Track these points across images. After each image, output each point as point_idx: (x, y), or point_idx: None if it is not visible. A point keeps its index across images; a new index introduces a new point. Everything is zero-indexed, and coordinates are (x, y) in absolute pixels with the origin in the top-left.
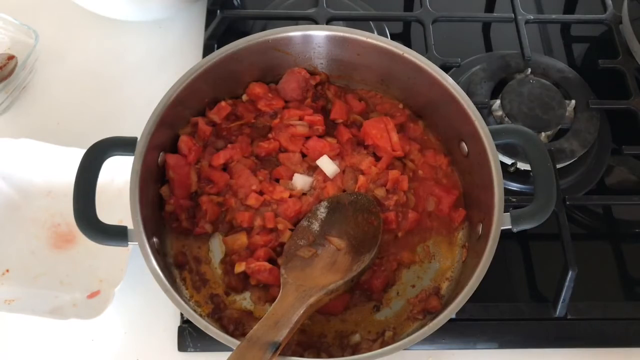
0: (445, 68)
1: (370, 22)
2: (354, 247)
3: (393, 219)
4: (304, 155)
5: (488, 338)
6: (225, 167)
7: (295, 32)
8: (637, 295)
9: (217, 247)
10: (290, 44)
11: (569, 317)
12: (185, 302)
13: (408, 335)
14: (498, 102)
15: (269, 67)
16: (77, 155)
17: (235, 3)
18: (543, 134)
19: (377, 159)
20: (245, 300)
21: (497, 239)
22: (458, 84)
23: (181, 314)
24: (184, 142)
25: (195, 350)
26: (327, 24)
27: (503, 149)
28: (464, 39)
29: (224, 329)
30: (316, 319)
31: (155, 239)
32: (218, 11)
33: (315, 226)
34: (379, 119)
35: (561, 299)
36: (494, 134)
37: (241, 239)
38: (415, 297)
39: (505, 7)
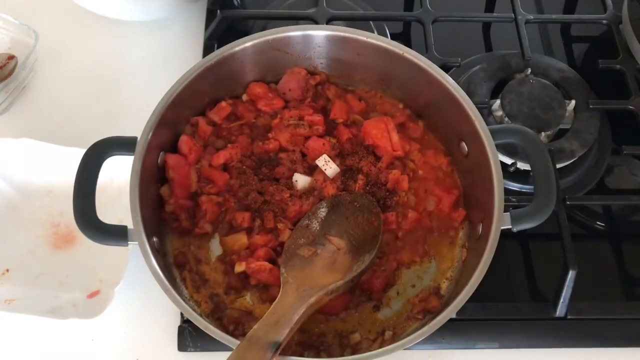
0: (445, 68)
1: (370, 22)
2: (354, 247)
3: (393, 219)
4: (304, 155)
5: (488, 338)
6: (225, 167)
7: (295, 32)
8: (637, 295)
9: (217, 247)
10: (290, 44)
11: (569, 317)
12: (185, 302)
13: (408, 335)
14: (498, 102)
15: (269, 67)
16: (77, 155)
17: (235, 3)
18: (543, 134)
19: (377, 158)
20: (245, 300)
21: (497, 239)
22: (458, 84)
23: (181, 314)
24: (184, 142)
25: (195, 350)
26: (327, 23)
27: (503, 149)
28: (464, 39)
29: (224, 329)
30: (316, 319)
31: (155, 239)
32: (218, 11)
33: (315, 225)
34: (379, 118)
35: (561, 299)
36: (494, 134)
37: (241, 239)
38: (416, 297)
39: (505, 7)
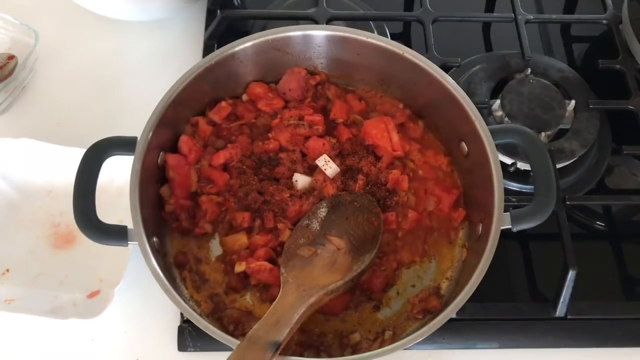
0: (445, 68)
1: (370, 22)
2: (354, 247)
3: (393, 219)
4: (304, 155)
5: (488, 338)
6: (225, 167)
7: (295, 32)
8: (637, 295)
9: (217, 247)
10: (290, 44)
11: (569, 317)
12: (185, 302)
13: (408, 334)
14: (498, 102)
15: (269, 67)
16: (77, 155)
17: (235, 3)
18: (543, 134)
19: (377, 158)
20: (245, 300)
21: (497, 238)
22: (458, 84)
23: (181, 314)
24: (184, 142)
25: (195, 350)
26: (327, 23)
27: (503, 149)
28: (464, 39)
29: (224, 329)
30: (316, 319)
31: (155, 239)
32: (218, 11)
33: (315, 225)
34: (379, 118)
35: (561, 299)
36: (494, 134)
37: (241, 239)
38: (416, 297)
39: (505, 7)
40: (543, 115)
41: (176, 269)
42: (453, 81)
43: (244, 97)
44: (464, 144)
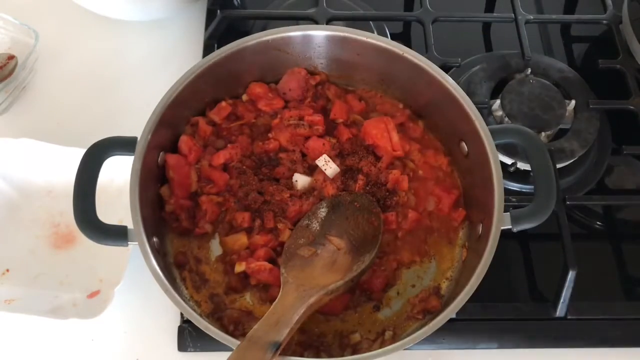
0: (445, 68)
1: (370, 22)
2: (354, 247)
3: (393, 219)
4: (304, 155)
5: (488, 338)
6: (225, 167)
7: (295, 32)
8: (637, 295)
9: (217, 247)
10: (290, 44)
11: (569, 317)
12: (185, 302)
13: (408, 335)
14: (498, 102)
15: (269, 67)
16: (77, 155)
17: (235, 3)
18: (543, 134)
19: (377, 158)
20: (245, 300)
21: (497, 239)
22: (458, 84)
23: (181, 314)
24: (184, 142)
25: (195, 350)
26: (327, 24)
27: (503, 149)
28: (464, 39)
29: (224, 329)
30: (316, 319)
31: (155, 239)
32: (218, 11)
33: (315, 226)
34: (379, 118)
35: (561, 299)
36: (494, 134)
37: (241, 240)
38: (416, 297)
39: (505, 7)
40: (543, 115)
41: (176, 269)
42: (453, 81)
43: (244, 97)
44: (464, 144)
